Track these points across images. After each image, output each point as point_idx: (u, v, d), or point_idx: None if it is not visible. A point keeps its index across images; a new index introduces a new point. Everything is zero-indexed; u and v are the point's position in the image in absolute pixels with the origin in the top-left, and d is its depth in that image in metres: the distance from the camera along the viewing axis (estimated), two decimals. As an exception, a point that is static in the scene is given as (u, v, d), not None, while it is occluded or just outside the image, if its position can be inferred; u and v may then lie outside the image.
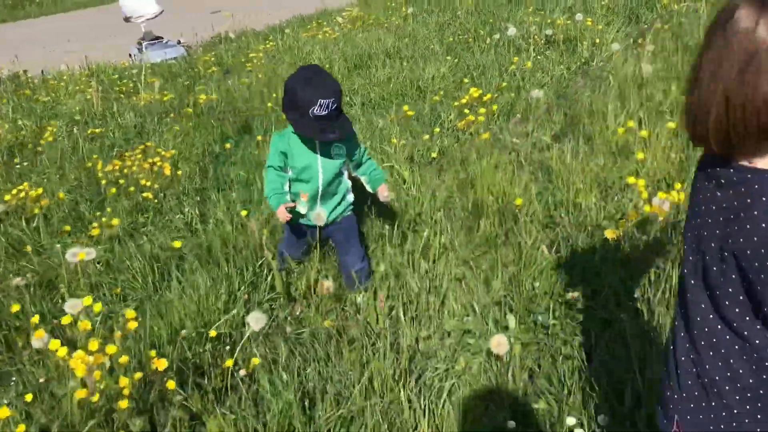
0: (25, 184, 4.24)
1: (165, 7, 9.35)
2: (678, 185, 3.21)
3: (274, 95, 5.84)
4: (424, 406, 2.40)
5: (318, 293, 2.96)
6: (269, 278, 3.17)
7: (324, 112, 2.63)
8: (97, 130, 5.54)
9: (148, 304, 3.04)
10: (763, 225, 1.04)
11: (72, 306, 2.73)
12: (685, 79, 1.17)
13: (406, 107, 4.98)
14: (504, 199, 3.53)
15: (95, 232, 3.70)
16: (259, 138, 4.95)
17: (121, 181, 4.19)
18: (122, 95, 6.98)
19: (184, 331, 2.72)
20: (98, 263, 3.52)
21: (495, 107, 4.69)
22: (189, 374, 2.55)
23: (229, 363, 2.46)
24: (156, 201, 4.13)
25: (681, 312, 1.27)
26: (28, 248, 3.63)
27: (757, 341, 1.14)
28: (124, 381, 2.17)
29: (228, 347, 2.74)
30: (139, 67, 8.05)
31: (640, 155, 3.55)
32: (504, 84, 5.12)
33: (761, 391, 1.17)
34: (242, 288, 3.11)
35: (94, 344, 2.22)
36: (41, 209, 4.02)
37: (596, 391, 2.34)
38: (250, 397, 2.50)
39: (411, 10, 9.17)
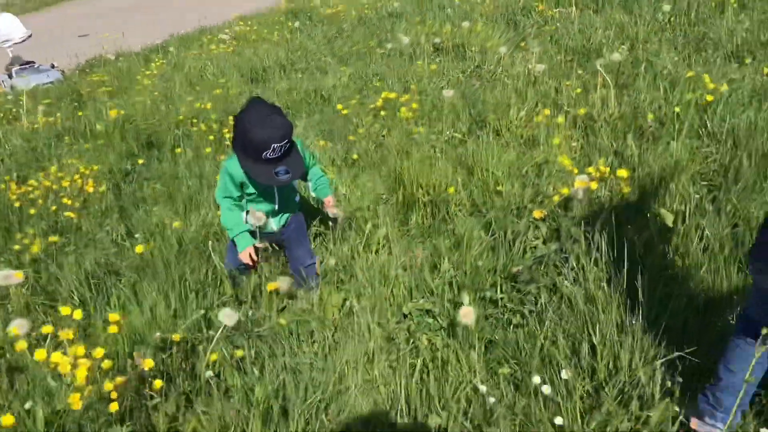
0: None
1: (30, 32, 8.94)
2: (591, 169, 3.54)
3: (174, 111, 5.78)
4: (398, 383, 2.53)
5: (278, 291, 3.01)
6: (219, 284, 3.19)
7: (276, 155, 2.66)
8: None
9: (97, 317, 2.98)
10: None
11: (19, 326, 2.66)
12: None
13: (316, 114, 5.10)
14: (433, 191, 3.72)
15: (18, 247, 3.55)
16: (175, 152, 4.90)
17: (40, 202, 4.02)
18: (4, 122, 6.63)
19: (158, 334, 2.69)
20: (23, 286, 3.38)
21: (403, 109, 4.91)
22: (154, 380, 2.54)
23: (214, 357, 2.49)
24: (77, 220, 4.00)
25: None
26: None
27: None
28: (109, 386, 2.14)
29: (184, 353, 2.75)
30: (15, 93, 7.66)
31: (556, 140, 3.86)
32: (413, 86, 5.35)
33: None
34: (192, 295, 3.10)
35: (81, 349, 2.18)
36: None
37: (553, 351, 2.56)
38: (221, 395, 2.53)
39: (297, 24, 9.27)
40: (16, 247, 3.63)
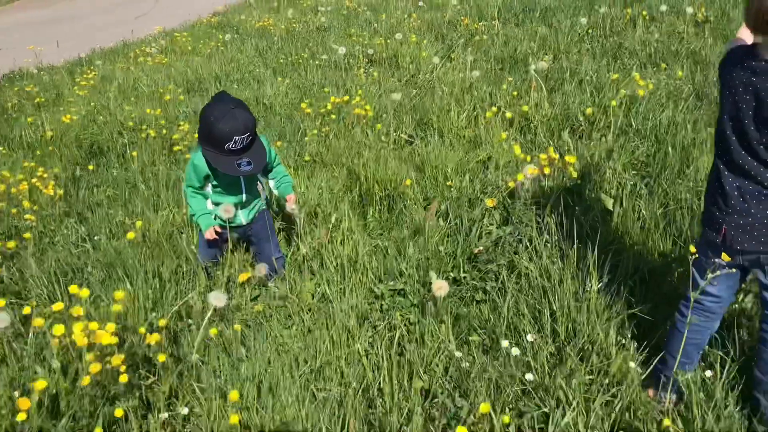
0: None
1: None
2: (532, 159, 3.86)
3: (115, 121, 5.78)
4: (380, 354, 2.72)
5: (254, 277, 3.15)
6: (192, 276, 3.30)
7: (238, 147, 2.79)
8: None
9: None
10: None
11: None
12: None
13: (261, 120, 5.24)
14: (390, 186, 3.95)
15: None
16: (123, 159, 4.93)
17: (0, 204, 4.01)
18: None
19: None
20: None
21: (357, 109, 5.13)
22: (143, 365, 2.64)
23: (214, 331, 2.63)
24: (35, 222, 4.00)
25: (725, 159, 2.02)
26: None
27: None
28: (117, 360, 2.24)
29: (168, 340, 2.84)
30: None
31: (503, 135, 4.17)
32: (359, 92, 5.57)
33: None
34: (169, 285, 3.20)
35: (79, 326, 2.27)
36: None
37: (517, 321, 2.82)
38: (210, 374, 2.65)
39: (228, 38, 9.36)
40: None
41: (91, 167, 4.83)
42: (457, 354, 2.68)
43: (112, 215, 4.06)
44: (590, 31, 6.87)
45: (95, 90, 7.51)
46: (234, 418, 2.28)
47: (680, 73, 5.00)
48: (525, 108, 4.61)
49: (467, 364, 2.64)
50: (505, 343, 2.66)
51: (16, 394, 2.42)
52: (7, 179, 4.31)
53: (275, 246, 3.35)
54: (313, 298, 3.18)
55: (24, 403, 2.19)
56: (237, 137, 2.74)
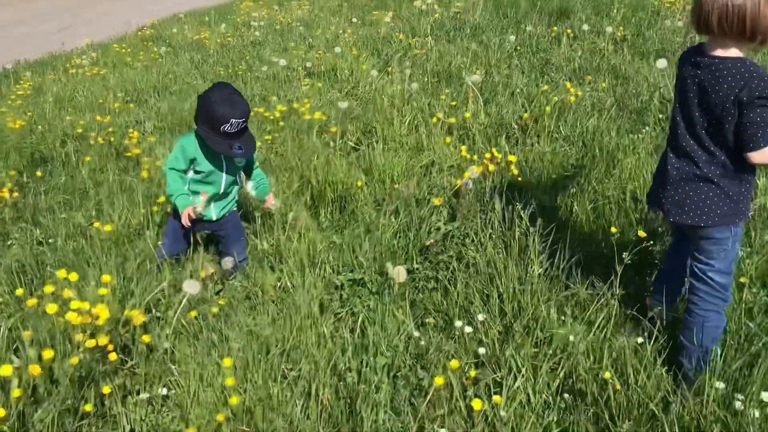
0: None
1: None
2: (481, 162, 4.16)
3: (55, 129, 5.79)
4: (344, 337, 2.93)
5: (219, 270, 3.31)
6: (156, 272, 3.42)
7: (234, 130, 3.02)
8: None
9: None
10: (725, 86, 2.15)
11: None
12: None
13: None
14: (341, 187, 4.18)
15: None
16: (69, 166, 4.97)
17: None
18: None
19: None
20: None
21: (318, 114, 5.33)
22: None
23: (194, 314, 2.79)
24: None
25: (672, 144, 2.42)
26: None
27: (718, 155, 2.27)
28: (104, 340, 2.37)
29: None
30: None
31: (447, 140, 4.47)
32: (307, 101, 5.78)
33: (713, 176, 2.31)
34: (134, 280, 3.31)
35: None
36: None
37: (467, 305, 3.09)
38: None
39: (163, 50, 9.39)
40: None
41: (39, 174, 4.85)
42: (416, 333, 2.92)
43: (68, 219, 4.11)
44: (518, 48, 7.31)
45: (29, 100, 7.44)
46: (210, 396, 2.44)
47: (603, 84, 5.45)
48: (468, 115, 4.94)
49: (424, 342, 2.89)
50: (458, 323, 2.92)
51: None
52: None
53: (242, 247, 3.52)
54: (275, 290, 3.36)
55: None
56: (234, 120, 2.95)
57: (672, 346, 2.67)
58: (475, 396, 2.53)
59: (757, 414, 2.22)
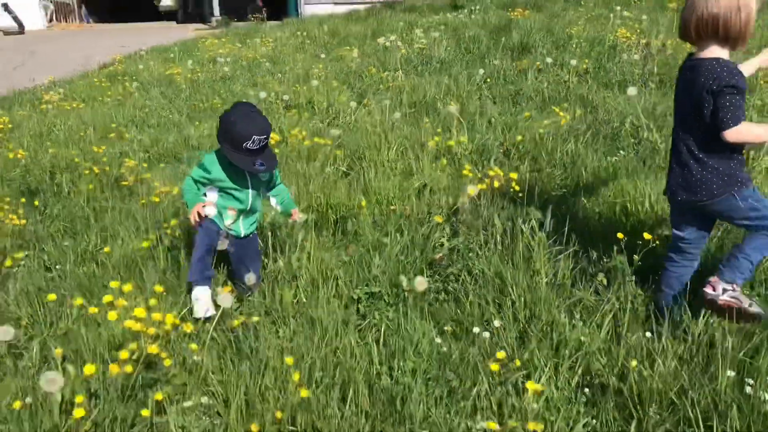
0: None
1: None
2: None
3: (40, 162, 5.82)
4: (371, 344, 3.08)
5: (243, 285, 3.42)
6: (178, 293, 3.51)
7: (256, 147, 3.14)
8: None
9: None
10: (701, 80, 2.61)
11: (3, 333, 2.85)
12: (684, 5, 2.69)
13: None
14: (344, 209, 4.35)
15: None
16: (60, 195, 5.02)
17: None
18: None
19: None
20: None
21: (318, 138, 5.49)
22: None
23: (237, 323, 2.92)
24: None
25: (674, 136, 2.90)
26: None
27: (705, 140, 2.73)
28: (154, 349, 2.48)
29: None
30: None
31: (444, 162, 4.70)
32: (295, 131, 5.95)
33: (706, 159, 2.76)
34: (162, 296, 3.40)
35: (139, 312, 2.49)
36: None
37: (478, 313, 3.28)
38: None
39: (135, 85, 9.46)
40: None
41: (36, 203, 4.88)
42: (438, 340, 3.10)
43: (76, 245, 4.17)
44: (488, 80, 7.66)
45: (7, 135, 7.41)
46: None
47: (579, 112, 5.79)
48: (463, 138, 5.20)
49: (446, 348, 3.06)
50: (476, 329, 3.11)
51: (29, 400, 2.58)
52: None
53: (258, 267, 3.62)
54: (294, 305, 3.49)
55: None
56: (255, 137, 3.07)
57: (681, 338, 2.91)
58: (506, 393, 2.71)
59: (767, 396, 2.46)
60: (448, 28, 11.72)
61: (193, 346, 2.74)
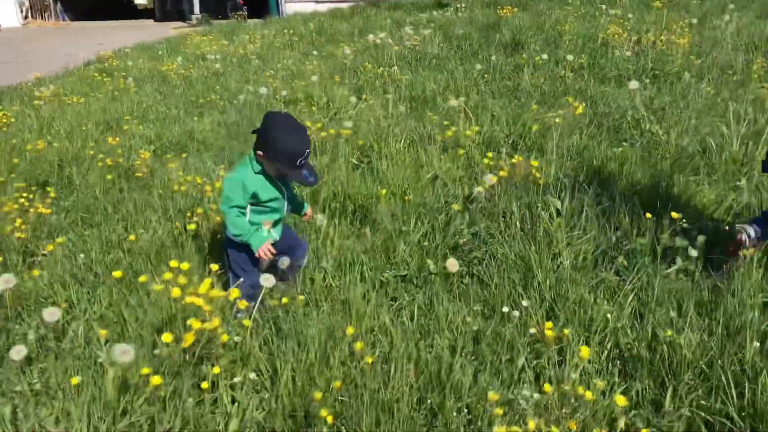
0: None
1: None
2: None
3: (43, 156, 5.84)
4: (405, 323, 3.20)
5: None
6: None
7: (305, 161, 3.09)
8: None
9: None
10: None
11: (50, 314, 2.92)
12: None
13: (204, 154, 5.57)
14: (360, 199, 4.46)
15: None
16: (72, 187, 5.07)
17: None
18: None
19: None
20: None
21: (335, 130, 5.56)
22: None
23: (285, 300, 3.06)
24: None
25: None
26: None
27: None
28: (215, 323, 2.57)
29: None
30: None
31: (461, 152, 4.82)
32: (309, 123, 6.02)
33: None
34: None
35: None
36: None
37: (503, 294, 3.41)
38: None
39: (130, 80, 9.46)
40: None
41: (52, 194, 4.91)
42: (469, 319, 3.22)
43: (99, 233, 4.22)
44: (485, 75, 7.81)
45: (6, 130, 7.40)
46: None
47: (581, 106, 5.95)
48: (476, 128, 5.34)
49: (476, 327, 3.19)
50: (506, 309, 3.24)
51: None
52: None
53: (304, 249, 3.62)
54: (324, 289, 3.59)
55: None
56: (307, 151, 3.02)
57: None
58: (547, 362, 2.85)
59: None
60: (436, 25, 11.87)
61: (246, 321, 2.83)
